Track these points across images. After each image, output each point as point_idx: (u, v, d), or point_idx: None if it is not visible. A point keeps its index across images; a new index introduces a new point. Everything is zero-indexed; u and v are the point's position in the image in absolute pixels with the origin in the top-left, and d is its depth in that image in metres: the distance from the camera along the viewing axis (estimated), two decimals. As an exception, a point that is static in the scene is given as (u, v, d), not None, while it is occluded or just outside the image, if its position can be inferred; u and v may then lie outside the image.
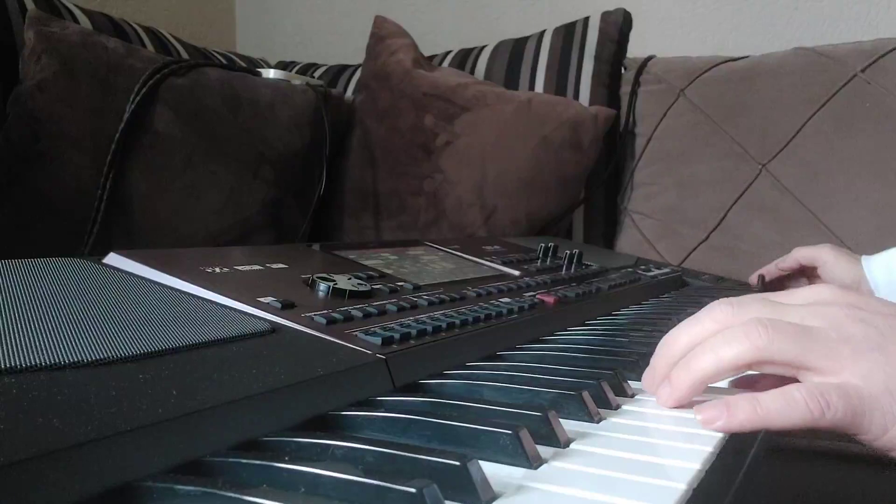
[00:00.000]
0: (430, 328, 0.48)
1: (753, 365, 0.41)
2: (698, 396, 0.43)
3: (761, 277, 1.08)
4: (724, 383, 0.47)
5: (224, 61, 1.52)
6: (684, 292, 1.00)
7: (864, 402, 0.39)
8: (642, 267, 1.06)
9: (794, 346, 0.41)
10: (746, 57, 1.42)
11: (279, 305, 0.46)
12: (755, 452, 0.41)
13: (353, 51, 1.67)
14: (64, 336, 0.34)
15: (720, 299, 0.45)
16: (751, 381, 0.48)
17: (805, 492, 0.69)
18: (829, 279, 1.00)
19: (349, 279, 0.55)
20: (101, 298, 0.42)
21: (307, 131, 1.28)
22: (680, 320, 0.46)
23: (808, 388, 0.40)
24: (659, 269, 1.07)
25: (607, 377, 0.44)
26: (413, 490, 0.25)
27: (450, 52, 1.61)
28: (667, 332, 0.47)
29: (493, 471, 0.30)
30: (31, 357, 0.31)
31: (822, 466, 0.70)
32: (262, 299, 0.47)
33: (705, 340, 0.43)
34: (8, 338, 0.33)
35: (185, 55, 1.45)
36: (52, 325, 0.36)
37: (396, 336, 0.45)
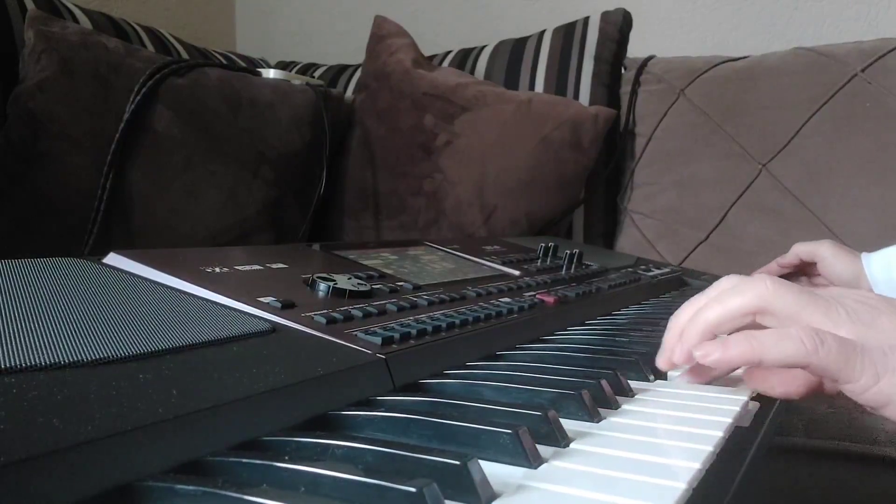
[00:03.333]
0: (430, 328, 0.48)
1: (757, 313, 0.45)
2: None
3: (761, 277, 1.08)
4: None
5: (224, 61, 1.52)
6: (684, 292, 1.00)
7: (857, 349, 0.41)
8: (642, 267, 1.06)
9: (797, 301, 0.44)
10: (746, 57, 1.42)
11: (279, 305, 0.46)
12: (755, 452, 0.41)
13: (353, 51, 1.67)
14: (64, 336, 0.34)
15: (729, 275, 0.49)
16: None
17: (805, 491, 0.69)
18: (829, 275, 1.00)
19: (349, 279, 0.55)
20: (101, 298, 0.42)
21: (307, 131, 1.28)
22: None
23: (804, 326, 0.42)
24: (659, 269, 1.07)
25: (607, 377, 0.44)
26: (413, 489, 0.25)
27: (450, 52, 1.61)
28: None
29: (493, 470, 0.30)
30: (31, 357, 0.31)
31: (821, 466, 0.70)
32: (262, 299, 0.47)
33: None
34: (8, 338, 0.33)
35: (185, 55, 1.45)
36: (52, 325, 0.36)
37: (396, 336, 0.45)
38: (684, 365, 0.47)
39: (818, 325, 0.43)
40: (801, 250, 1.03)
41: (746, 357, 0.42)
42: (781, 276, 1.07)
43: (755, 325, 0.46)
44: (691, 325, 0.46)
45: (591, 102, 1.45)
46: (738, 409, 0.42)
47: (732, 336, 0.43)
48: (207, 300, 0.45)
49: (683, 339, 0.46)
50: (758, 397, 0.47)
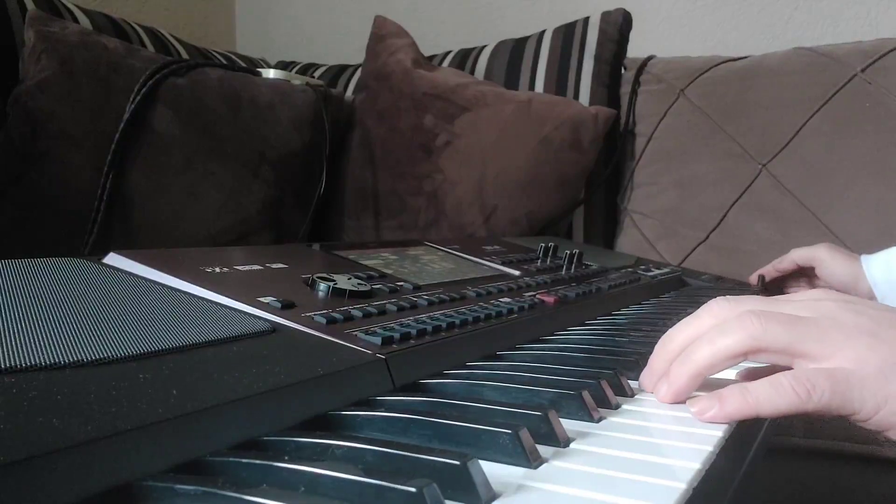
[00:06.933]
0: (430, 328, 0.48)
1: (749, 354, 0.43)
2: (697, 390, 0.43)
3: (761, 278, 1.08)
4: (728, 374, 0.48)
5: (224, 61, 1.52)
6: (684, 292, 1.00)
7: (853, 383, 0.40)
8: (642, 267, 1.06)
9: (788, 334, 0.42)
10: (746, 57, 1.42)
11: (279, 305, 0.46)
12: (755, 452, 0.41)
13: (353, 51, 1.67)
14: (64, 336, 0.34)
15: (718, 297, 0.47)
16: (752, 374, 0.48)
17: (804, 491, 0.69)
18: (827, 278, 1.00)
19: (349, 279, 0.55)
20: (101, 298, 0.42)
21: (307, 131, 1.28)
22: (679, 320, 0.47)
23: (794, 373, 0.41)
24: (659, 269, 1.07)
25: (607, 377, 0.44)
26: (413, 489, 0.25)
27: (450, 52, 1.61)
28: (666, 331, 0.47)
29: (493, 470, 0.30)
30: (31, 357, 0.31)
31: (821, 466, 0.70)
32: (262, 299, 0.47)
33: (703, 334, 0.44)
34: (8, 338, 0.33)
35: (185, 55, 1.45)
36: (52, 325, 0.36)
37: (396, 336, 0.45)
38: (669, 403, 0.45)
39: (815, 356, 0.41)
40: (797, 256, 1.03)
41: (742, 413, 0.41)
42: (780, 279, 1.07)
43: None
44: (680, 366, 0.44)
45: (591, 102, 1.45)
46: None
47: (727, 391, 0.42)
48: (207, 300, 0.45)
49: (672, 380, 0.44)
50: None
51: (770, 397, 0.40)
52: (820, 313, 0.43)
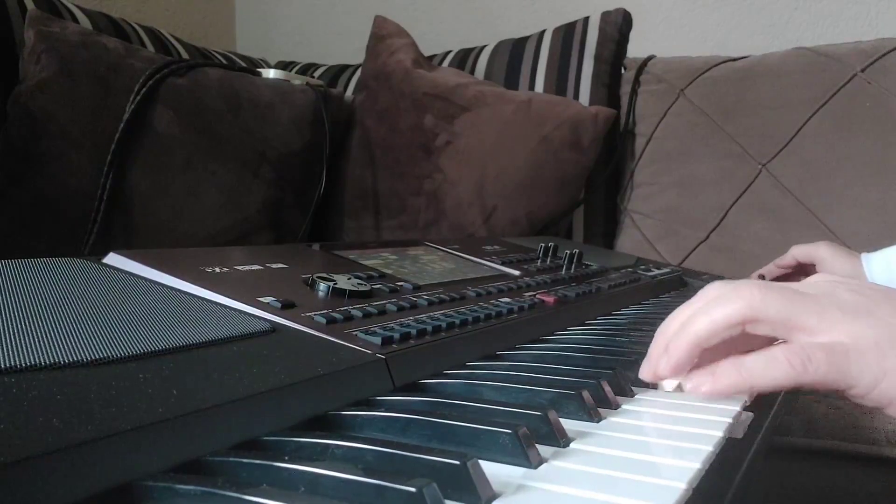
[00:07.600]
0: (429, 328, 0.48)
1: (746, 323, 0.42)
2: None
3: (761, 277, 1.08)
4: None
5: (224, 61, 1.52)
6: (684, 292, 1.00)
7: (851, 357, 0.40)
8: (642, 267, 1.06)
9: (786, 305, 0.42)
10: (746, 57, 1.42)
11: (279, 305, 0.46)
12: (755, 452, 0.41)
13: (353, 51, 1.67)
14: (64, 336, 0.34)
15: (713, 282, 0.47)
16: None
17: (804, 491, 0.69)
18: None
19: (349, 279, 0.55)
20: (101, 298, 0.42)
21: (307, 131, 1.28)
22: None
23: (789, 346, 0.41)
24: (659, 269, 1.07)
25: (607, 377, 0.44)
26: (413, 489, 0.25)
27: (450, 52, 1.61)
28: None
29: (493, 470, 0.30)
30: (31, 357, 0.31)
31: (821, 466, 0.70)
32: (262, 299, 0.47)
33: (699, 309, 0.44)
34: (8, 338, 0.33)
35: (185, 55, 1.45)
36: (52, 325, 0.36)
37: (396, 336, 0.45)
38: (669, 378, 0.45)
39: (812, 329, 0.41)
40: (798, 252, 1.03)
41: (737, 387, 0.41)
42: (780, 277, 1.08)
43: (743, 337, 0.44)
44: (678, 338, 0.43)
45: (591, 102, 1.45)
46: (738, 408, 0.42)
47: (721, 366, 0.42)
48: (207, 300, 0.45)
49: (670, 352, 0.43)
50: (757, 398, 0.47)
51: (765, 369, 0.40)
52: (819, 290, 0.43)
